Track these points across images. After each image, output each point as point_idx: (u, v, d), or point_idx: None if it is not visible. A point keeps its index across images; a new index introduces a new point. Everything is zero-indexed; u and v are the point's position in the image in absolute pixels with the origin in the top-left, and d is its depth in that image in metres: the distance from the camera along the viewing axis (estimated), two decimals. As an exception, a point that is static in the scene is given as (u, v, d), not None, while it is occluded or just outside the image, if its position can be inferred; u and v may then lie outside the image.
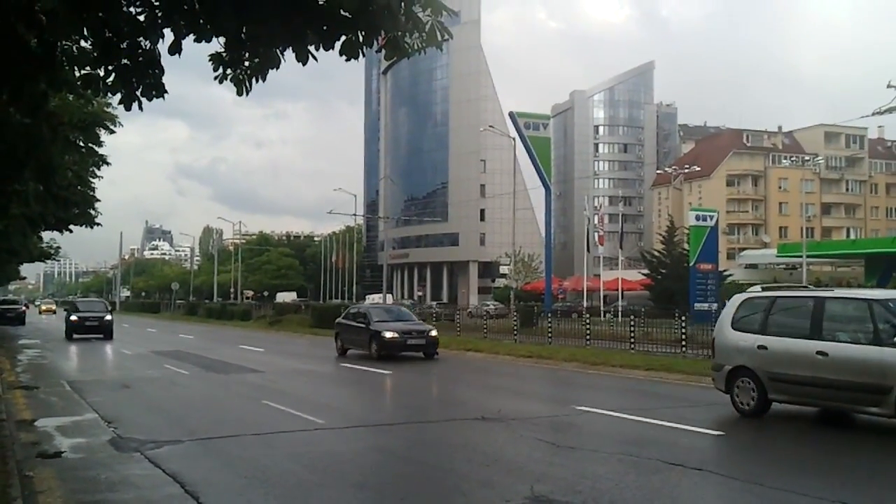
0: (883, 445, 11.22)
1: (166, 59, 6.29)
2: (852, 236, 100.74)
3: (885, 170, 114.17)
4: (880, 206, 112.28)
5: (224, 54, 6.24)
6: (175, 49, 6.00)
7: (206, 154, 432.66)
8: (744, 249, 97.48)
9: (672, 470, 9.13)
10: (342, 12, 5.60)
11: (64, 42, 6.55)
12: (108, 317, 38.91)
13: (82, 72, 6.78)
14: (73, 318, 38.13)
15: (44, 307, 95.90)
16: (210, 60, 6.31)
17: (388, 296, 67.91)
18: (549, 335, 30.81)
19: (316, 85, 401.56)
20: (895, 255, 63.32)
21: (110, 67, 6.21)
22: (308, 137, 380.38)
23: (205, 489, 8.35)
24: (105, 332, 37.76)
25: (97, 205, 27.38)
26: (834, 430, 12.05)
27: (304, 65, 5.93)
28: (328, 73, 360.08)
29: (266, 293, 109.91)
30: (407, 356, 25.11)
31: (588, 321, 31.00)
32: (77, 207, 25.28)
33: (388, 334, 24.68)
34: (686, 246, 51.46)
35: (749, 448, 11.01)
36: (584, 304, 61.58)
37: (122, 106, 6.47)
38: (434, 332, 25.89)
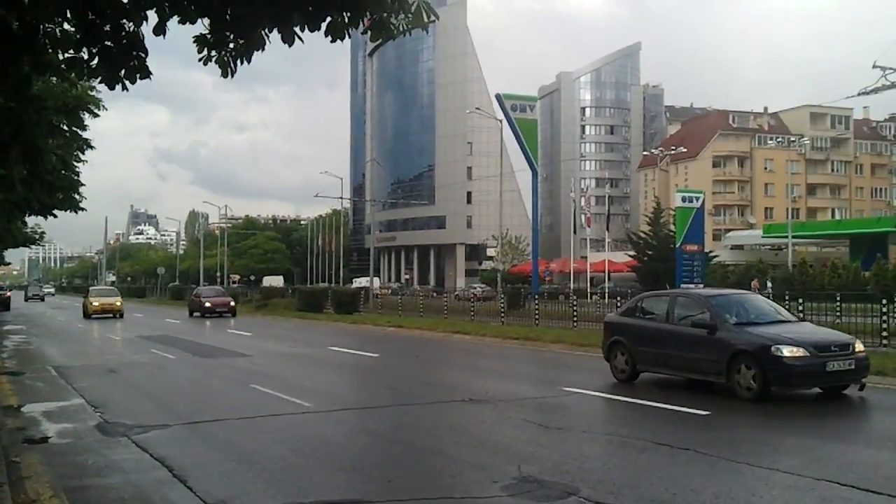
0: (857, 427, 11.33)
1: (148, 42, 6.24)
2: (837, 217, 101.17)
3: (871, 150, 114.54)
4: (865, 187, 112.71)
5: (209, 36, 6.18)
6: (160, 31, 5.94)
7: (187, 138, 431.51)
8: (730, 230, 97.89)
9: (659, 450, 9.18)
10: (327, -7, 5.58)
11: (46, 24, 6.47)
12: None
13: (66, 55, 6.72)
14: None
15: (96, 302, 46.31)
16: (194, 42, 6.25)
17: (376, 279, 67.82)
18: (536, 317, 30.88)
19: (296, 70, 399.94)
20: (879, 235, 63.81)
21: (94, 50, 6.15)
22: (289, 122, 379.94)
23: (193, 473, 8.35)
24: None
25: (81, 189, 27.22)
26: (820, 410, 12.14)
27: (290, 46, 5.90)
28: (308, 57, 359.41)
29: (253, 277, 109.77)
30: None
31: (575, 303, 31.08)
32: (61, 192, 25.08)
33: (788, 351, 12.49)
34: (672, 227, 51.53)
35: (735, 428, 11.08)
36: (571, 285, 61.75)
37: (105, 89, 6.43)
38: (861, 347, 13.50)
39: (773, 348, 12.52)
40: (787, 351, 12.43)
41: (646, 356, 14.98)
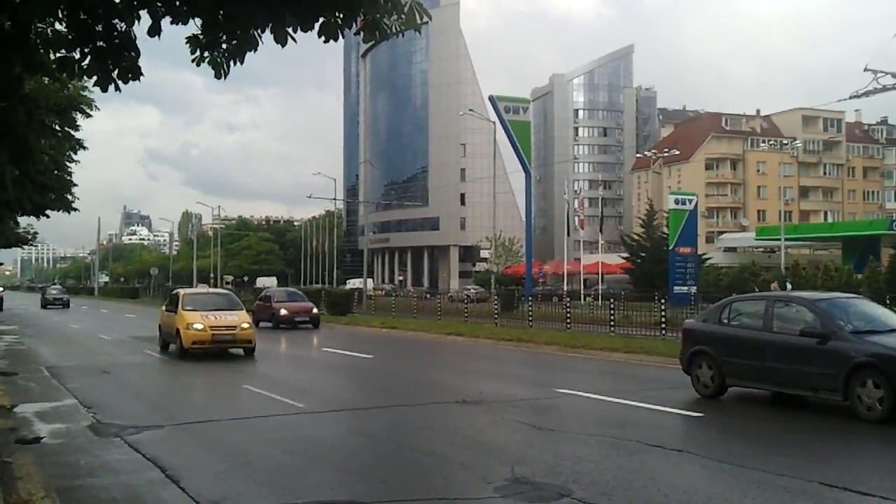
0: (850, 427, 11.35)
1: (139, 43, 6.24)
2: (830, 220, 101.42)
3: (863, 153, 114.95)
4: (857, 190, 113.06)
5: (201, 36, 6.19)
6: (154, 31, 5.93)
7: (178, 139, 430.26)
8: (722, 233, 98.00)
9: (652, 451, 9.19)
10: (320, -7, 5.58)
11: (38, 24, 6.46)
12: None
13: (57, 55, 6.71)
14: None
15: (200, 324, 20.64)
16: (187, 43, 6.25)
17: (370, 280, 67.77)
18: (530, 319, 30.91)
19: (285, 71, 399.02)
20: (871, 237, 63.97)
21: (86, 50, 6.14)
22: (280, 122, 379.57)
23: (185, 474, 8.33)
24: None
25: (74, 189, 27.17)
26: (806, 412, 12.16)
27: (283, 46, 5.90)
28: (297, 59, 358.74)
29: (246, 278, 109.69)
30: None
31: (568, 305, 31.12)
32: (54, 192, 25.07)
33: None
34: (665, 229, 51.74)
35: (728, 429, 11.10)
36: (565, 287, 61.76)
37: (98, 90, 6.41)
38: None
39: None
40: None
41: (738, 369, 12.87)
